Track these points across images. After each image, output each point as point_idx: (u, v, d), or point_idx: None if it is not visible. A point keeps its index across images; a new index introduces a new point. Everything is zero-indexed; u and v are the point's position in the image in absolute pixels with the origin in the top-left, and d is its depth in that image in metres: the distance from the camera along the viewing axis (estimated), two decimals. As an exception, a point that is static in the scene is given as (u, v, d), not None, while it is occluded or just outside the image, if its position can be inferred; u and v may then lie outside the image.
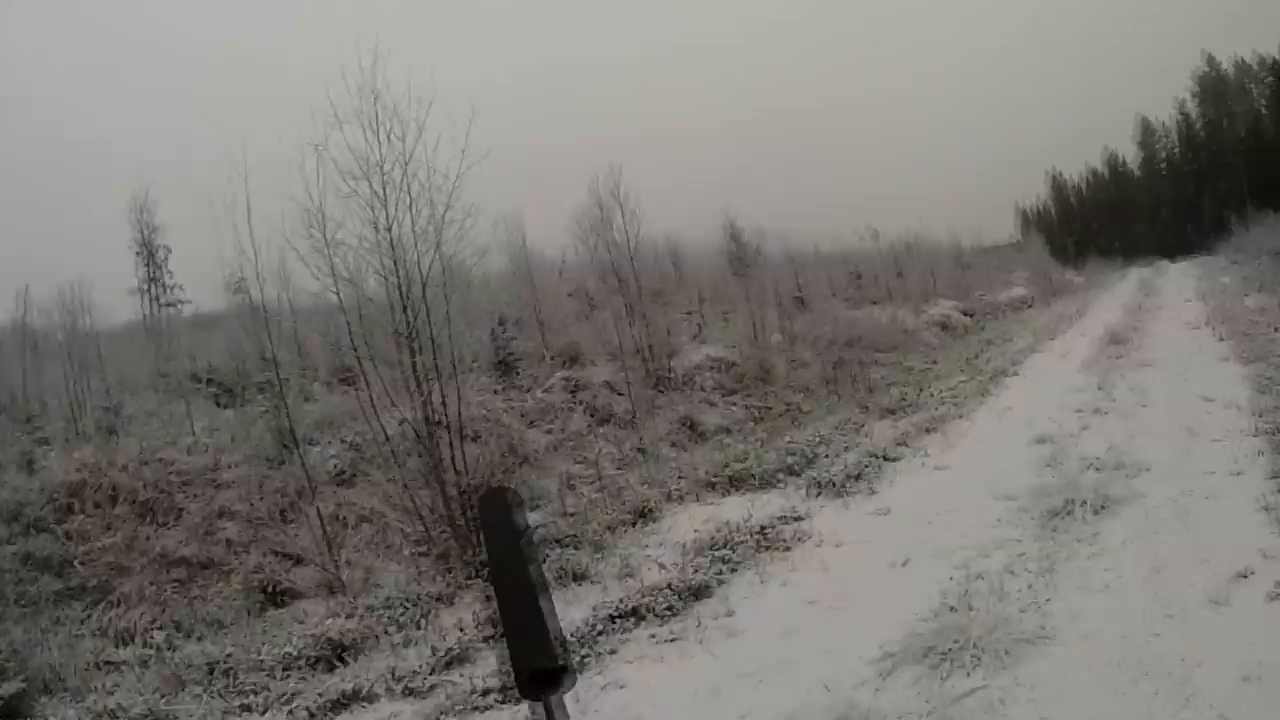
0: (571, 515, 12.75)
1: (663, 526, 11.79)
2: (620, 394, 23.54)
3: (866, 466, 12.68)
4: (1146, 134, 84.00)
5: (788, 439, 15.77)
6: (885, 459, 13.26)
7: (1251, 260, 41.34)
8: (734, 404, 23.47)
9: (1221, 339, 19.44)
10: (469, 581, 10.26)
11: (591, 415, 22.38)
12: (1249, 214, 53.52)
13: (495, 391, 23.12)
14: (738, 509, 11.39)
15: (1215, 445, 10.62)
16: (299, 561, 13.18)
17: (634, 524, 12.11)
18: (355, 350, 12.96)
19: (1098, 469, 10.36)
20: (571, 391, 23.53)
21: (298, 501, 14.82)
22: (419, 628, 8.99)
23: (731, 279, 36.26)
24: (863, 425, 16.36)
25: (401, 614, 9.34)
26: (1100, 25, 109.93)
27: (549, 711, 1.03)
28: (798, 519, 10.77)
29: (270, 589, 12.35)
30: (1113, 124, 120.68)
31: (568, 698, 1.05)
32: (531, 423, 21.45)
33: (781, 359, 27.44)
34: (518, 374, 24.70)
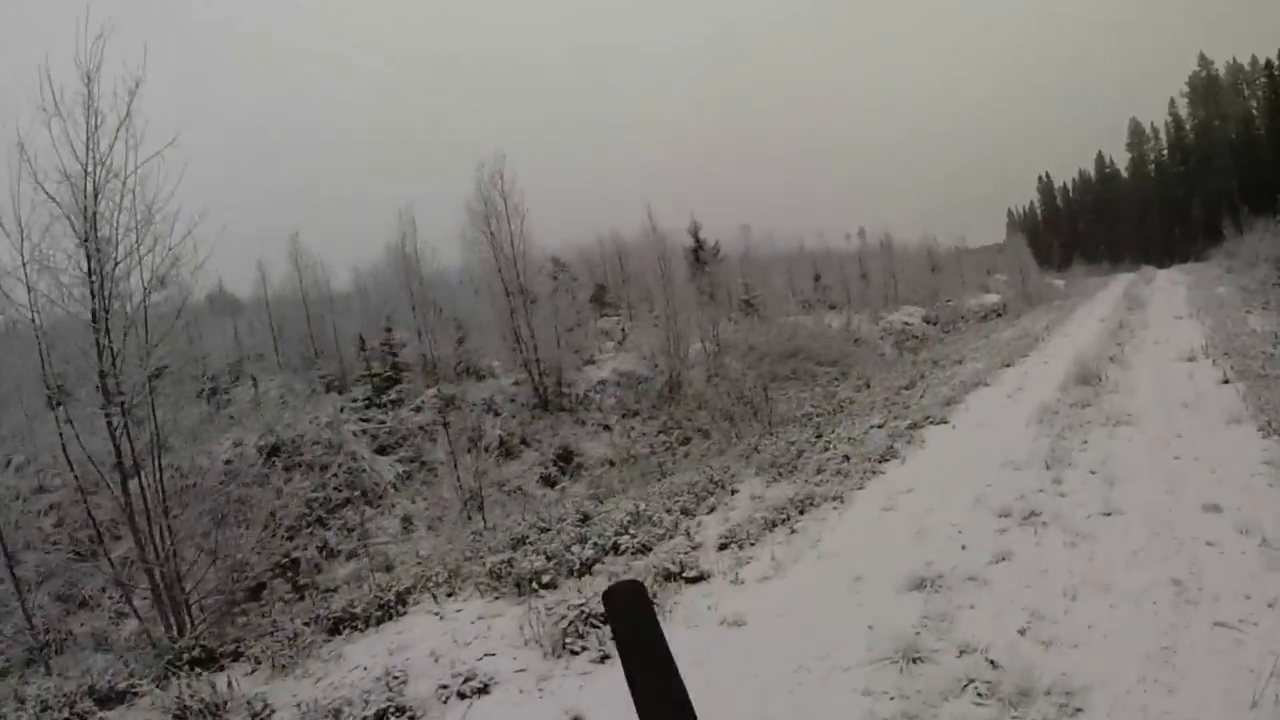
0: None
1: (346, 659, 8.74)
2: (499, 414, 20.64)
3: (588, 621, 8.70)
4: (1135, 136, 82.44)
5: (629, 502, 12.70)
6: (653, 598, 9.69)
7: (1248, 269, 37.54)
8: (633, 427, 20.36)
9: (1226, 379, 14.50)
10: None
11: (469, 440, 19.53)
12: (1242, 218, 50.52)
13: (354, 409, 20.35)
14: (435, 640, 8.42)
15: (1229, 641, 5.67)
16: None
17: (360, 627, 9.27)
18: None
19: (985, 694, 5.39)
20: (441, 412, 20.56)
21: None
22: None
23: (687, 281, 32.97)
24: (708, 497, 12.24)
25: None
26: (1098, 29, 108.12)
27: None
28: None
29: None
30: (1111, 129, 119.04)
31: None
32: (383, 449, 18.53)
33: (701, 374, 24.40)
34: (387, 390, 21.80)
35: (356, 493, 17.37)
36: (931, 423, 15.11)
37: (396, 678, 7.82)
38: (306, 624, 9.96)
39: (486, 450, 18.76)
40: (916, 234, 51.27)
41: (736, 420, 19.68)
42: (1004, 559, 7.85)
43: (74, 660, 11.04)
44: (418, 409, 20.84)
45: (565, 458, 18.35)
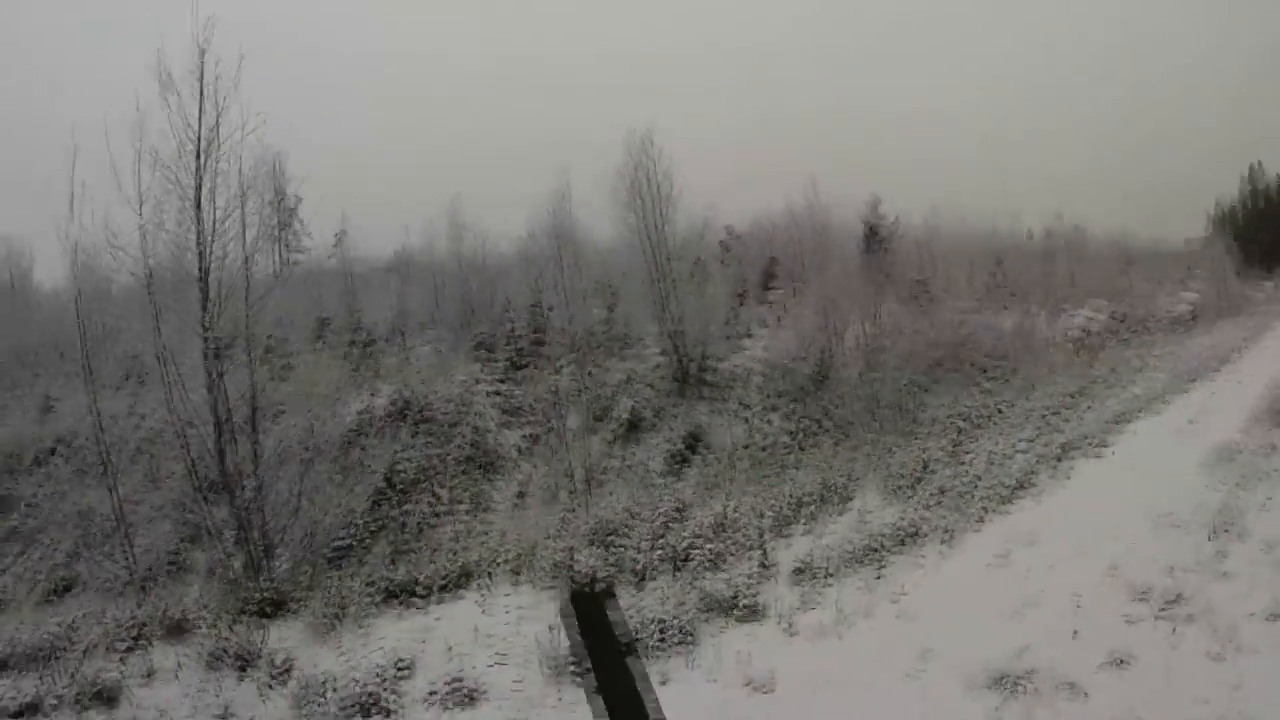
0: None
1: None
2: (636, 389, 20.13)
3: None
4: None
5: (728, 501, 11.92)
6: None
7: None
8: (771, 417, 19.37)
9: None
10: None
11: (596, 415, 19.11)
12: None
13: (493, 374, 20.24)
14: (463, 633, 8.42)
15: None
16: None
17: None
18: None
19: None
20: (579, 381, 20.17)
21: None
22: None
23: (860, 261, 31.33)
24: (813, 506, 11.73)
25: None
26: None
27: None
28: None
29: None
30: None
31: None
32: (513, 415, 18.29)
33: (856, 361, 23.08)
34: (524, 362, 21.55)
35: (478, 458, 17.18)
36: (1087, 447, 13.46)
37: (402, 671, 7.61)
38: (369, 585, 9.87)
39: (615, 427, 18.30)
40: (1110, 224, 47.46)
41: (880, 418, 18.56)
42: (1122, 662, 6.43)
43: (174, 590, 11.50)
44: (555, 377, 20.52)
45: (692, 442, 17.69)
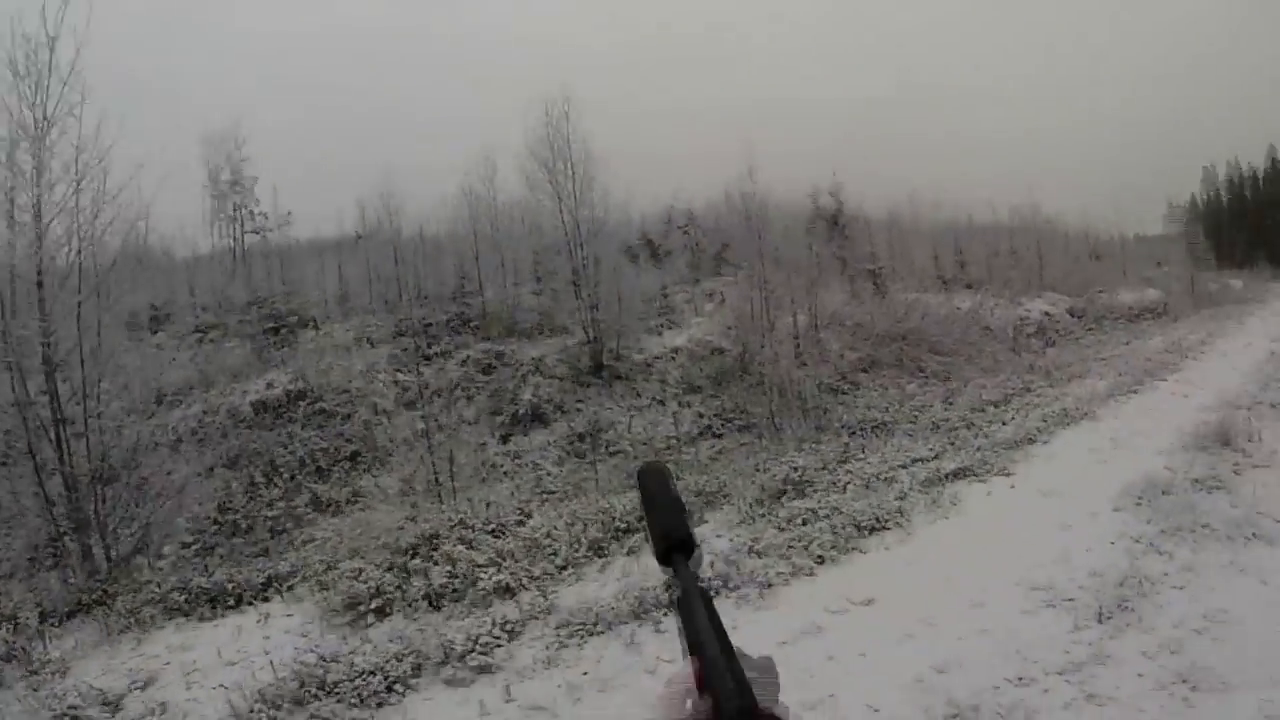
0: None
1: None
2: (545, 376, 19.22)
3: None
4: None
5: (551, 516, 10.78)
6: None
7: None
8: (685, 412, 18.39)
9: None
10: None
11: (492, 408, 18.23)
12: None
13: (402, 359, 19.38)
14: (206, 657, 7.44)
15: None
16: None
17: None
18: None
19: None
20: (485, 369, 19.27)
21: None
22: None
23: (809, 246, 30.40)
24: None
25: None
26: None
27: (681, 575, 1.13)
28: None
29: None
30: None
31: None
32: (413, 403, 17.40)
33: (789, 351, 22.03)
34: (438, 349, 20.70)
35: (366, 451, 16.37)
36: (984, 474, 11.58)
37: (118, 699, 6.81)
38: (175, 590, 9.08)
39: (508, 418, 17.44)
40: (1077, 218, 46.94)
41: (794, 417, 17.29)
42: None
43: (20, 586, 10.76)
44: (462, 364, 19.68)
45: (591, 436, 16.71)
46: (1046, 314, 32.92)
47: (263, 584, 9.30)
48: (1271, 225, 68.95)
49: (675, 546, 1.17)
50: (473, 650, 6.71)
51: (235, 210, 30.89)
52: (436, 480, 14.00)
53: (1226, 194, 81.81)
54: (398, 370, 19.10)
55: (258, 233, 30.82)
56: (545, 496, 12.94)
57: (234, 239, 30.92)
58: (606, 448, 16.38)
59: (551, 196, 21.31)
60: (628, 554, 9.11)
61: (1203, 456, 11.10)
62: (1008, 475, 11.47)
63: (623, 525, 9.67)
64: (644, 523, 1.23)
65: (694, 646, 0.95)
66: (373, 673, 6.40)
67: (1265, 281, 53.31)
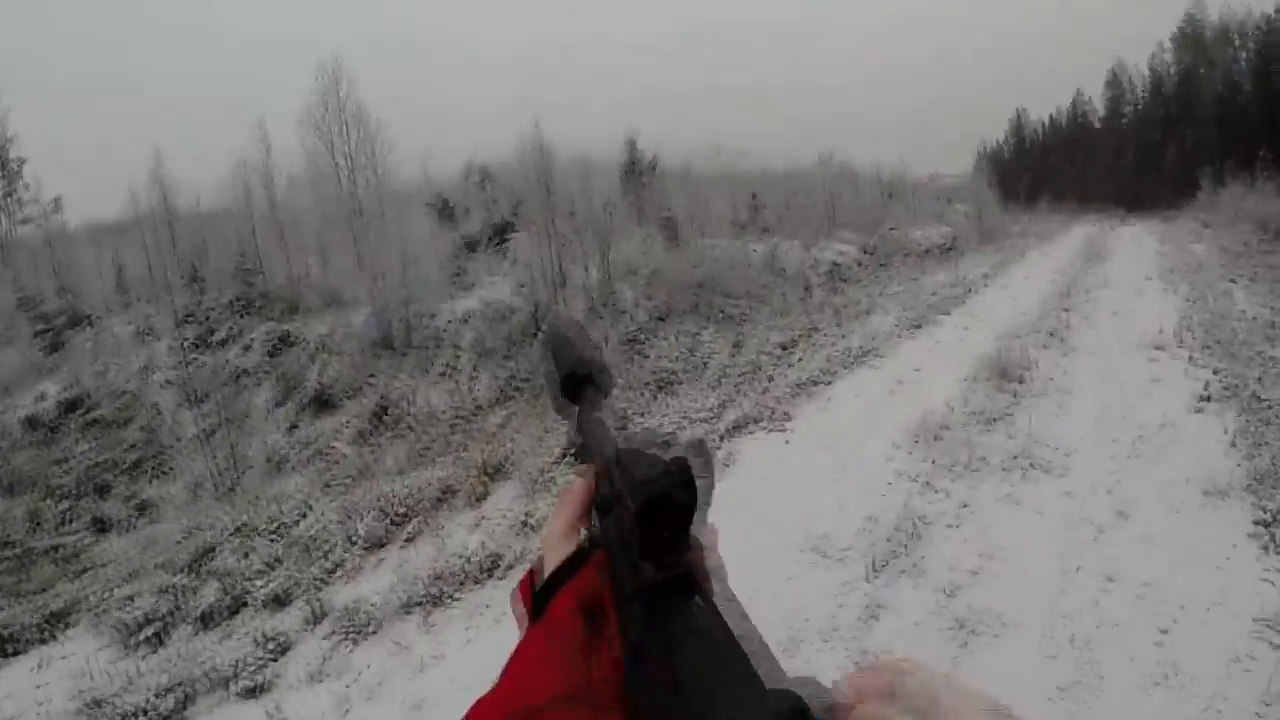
0: None
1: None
2: (333, 355, 18.61)
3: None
4: (1116, 78, 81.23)
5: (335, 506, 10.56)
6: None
7: (1227, 226, 35.70)
8: (481, 379, 18.08)
9: (1206, 394, 10.34)
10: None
11: (280, 394, 17.55)
12: (1224, 171, 47.83)
13: (181, 352, 18.40)
14: None
15: None
16: None
17: None
18: None
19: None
20: (271, 352, 18.55)
21: None
22: None
23: (621, 199, 30.44)
24: (407, 522, 9.55)
25: None
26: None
27: (581, 417, 0.97)
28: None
29: None
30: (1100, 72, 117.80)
31: None
32: (196, 400, 16.56)
33: (582, 305, 22.01)
34: (220, 336, 19.77)
35: (149, 458, 15.51)
36: (765, 422, 11.38)
37: None
38: None
39: (296, 404, 16.87)
40: (868, 162, 48.40)
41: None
42: None
43: None
44: (246, 349, 18.88)
45: (383, 414, 16.30)
46: (840, 254, 33.82)
47: (40, 624, 8.75)
48: (1053, 170, 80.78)
49: (585, 378, 1.01)
50: (240, 673, 6.48)
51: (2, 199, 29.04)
52: (223, 482, 13.41)
53: (1013, 139, 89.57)
54: (178, 363, 18.18)
55: (27, 222, 28.96)
56: (327, 487, 12.54)
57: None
58: (394, 426, 15.98)
59: (329, 163, 20.69)
60: (404, 544, 8.95)
61: (981, 389, 11.50)
62: (787, 422, 11.46)
63: (401, 511, 9.50)
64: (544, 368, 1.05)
65: (591, 454, 0.83)
66: (143, 712, 6.10)
67: (1044, 219, 59.17)
